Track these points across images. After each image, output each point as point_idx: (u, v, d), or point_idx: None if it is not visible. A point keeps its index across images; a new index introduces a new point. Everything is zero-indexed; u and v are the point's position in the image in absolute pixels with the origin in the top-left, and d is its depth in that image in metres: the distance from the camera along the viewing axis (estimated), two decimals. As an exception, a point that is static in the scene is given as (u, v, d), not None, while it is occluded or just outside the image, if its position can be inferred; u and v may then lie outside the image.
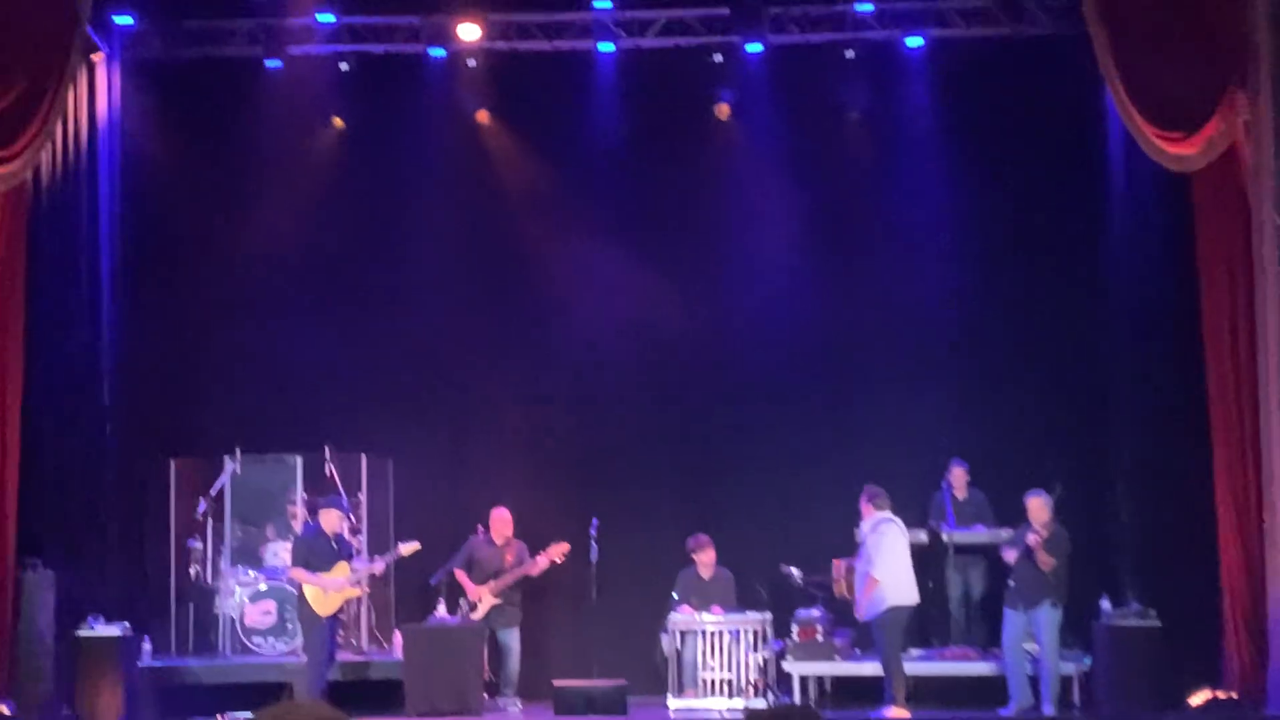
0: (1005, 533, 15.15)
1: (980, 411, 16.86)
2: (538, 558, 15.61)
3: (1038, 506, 14.47)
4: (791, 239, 17.28)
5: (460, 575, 15.67)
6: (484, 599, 15.55)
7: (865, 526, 14.86)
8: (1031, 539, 14.34)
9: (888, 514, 14.79)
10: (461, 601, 15.63)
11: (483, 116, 17.46)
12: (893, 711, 14.43)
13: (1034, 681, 14.56)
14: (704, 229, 17.43)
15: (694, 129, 17.33)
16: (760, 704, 14.38)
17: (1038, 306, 16.80)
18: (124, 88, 16.67)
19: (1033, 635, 14.51)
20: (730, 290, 17.40)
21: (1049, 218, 16.76)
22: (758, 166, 17.33)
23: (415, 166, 17.45)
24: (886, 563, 14.58)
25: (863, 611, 14.75)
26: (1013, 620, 14.54)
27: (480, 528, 15.85)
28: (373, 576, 15.65)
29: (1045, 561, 14.32)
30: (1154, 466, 15.28)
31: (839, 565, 15.24)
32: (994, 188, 16.87)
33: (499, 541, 15.74)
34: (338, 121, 17.35)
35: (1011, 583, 14.64)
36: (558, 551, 15.53)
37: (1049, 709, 14.30)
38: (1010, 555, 14.64)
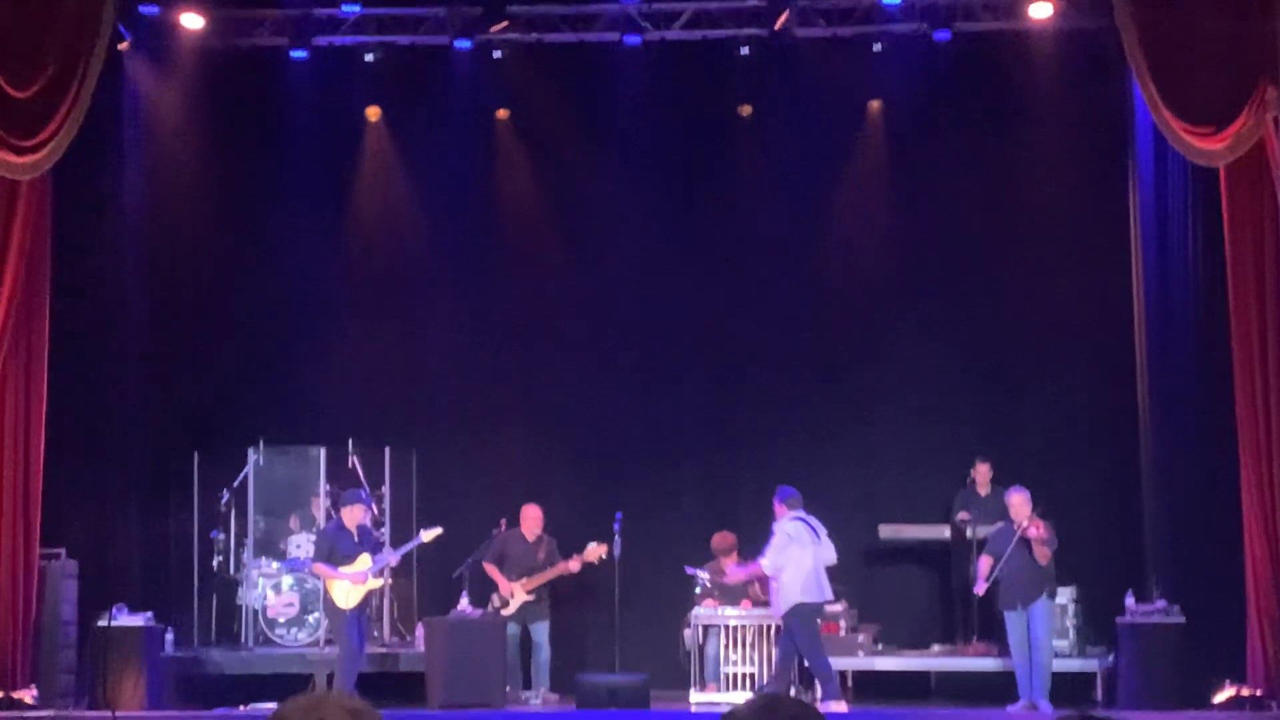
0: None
1: (1005, 408, 16.83)
2: (572, 559, 15.60)
3: (1020, 502, 14.50)
4: (817, 232, 17.26)
5: (492, 570, 15.65)
6: (516, 594, 15.55)
7: (777, 527, 14.83)
8: (1033, 533, 14.30)
9: (800, 513, 14.79)
10: (493, 596, 15.63)
11: (502, 114, 17.44)
12: (832, 705, 14.33)
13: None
14: (729, 221, 17.40)
15: (720, 121, 17.28)
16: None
17: (1064, 301, 16.75)
18: (149, 78, 16.69)
19: (1028, 629, 14.46)
20: (755, 283, 17.35)
21: (1076, 211, 16.70)
22: (784, 159, 17.28)
23: (440, 158, 17.46)
24: (790, 561, 14.59)
25: (774, 609, 14.78)
26: (1014, 621, 14.50)
27: (504, 522, 15.83)
28: (393, 568, 15.63)
29: (1044, 555, 14.32)
30: (1179, 463, 15.22)
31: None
32: (1022, 181, 16.81)
33: (530, 538, 15.73)
34: (373, 112, 17.33)
35: (1002, 584, 14.56)
36: (595, 554, 15.53)
37: (1045, 705, 14.22)
38: (984, 564, 14.58)
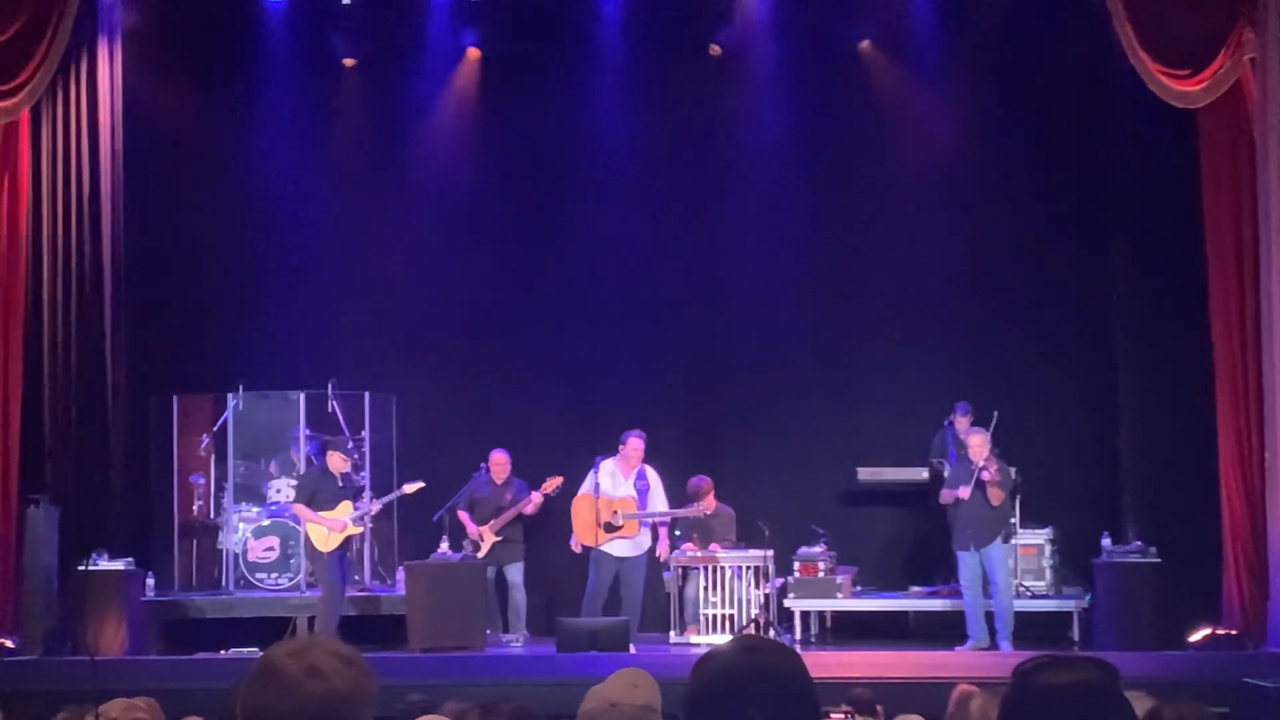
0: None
1: (983, 351, 16.84)
2: (532, 494, 15.66)
3: (979, 443, 14.55)
4: (798, 177, 17.21)
5: (462, 516, 15.72)
6: (485, 538, 15.62)
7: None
8: (986, 475, 14.39)
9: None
10: (465, 541, 15.68)
11: (474, 54, 17.39)
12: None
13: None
14: (709, 161, 17.35)
15: (698, 64, 17.23)
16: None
17: (1044, 243, 16.75)
18: (125, 22, 16.58)
19: (986, 573, 14.55)
20: (733, 228, 17.33)
21: (1054, 154, 16.69)
22: (763, 103, 17.24)
23: (416, 102, 17.42)
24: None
25: (645, 549, 15.55)
26: (967, 561, 14.59)
27: (484, 466, 15.87)
28: (373, 514, 15.69)
29: (997, 496, 14.41)
30: (1156, 404, 15.28)
31: None
32: (999, 122, 16.78)
33: (498, 482, 15.79)
34: (349, 62, 17.29)
35: (956, 525, 14.68)
36: (551, 486, 15.60)
37: (1006, 645, 14.34)
38: (949, 496, 14.70)
